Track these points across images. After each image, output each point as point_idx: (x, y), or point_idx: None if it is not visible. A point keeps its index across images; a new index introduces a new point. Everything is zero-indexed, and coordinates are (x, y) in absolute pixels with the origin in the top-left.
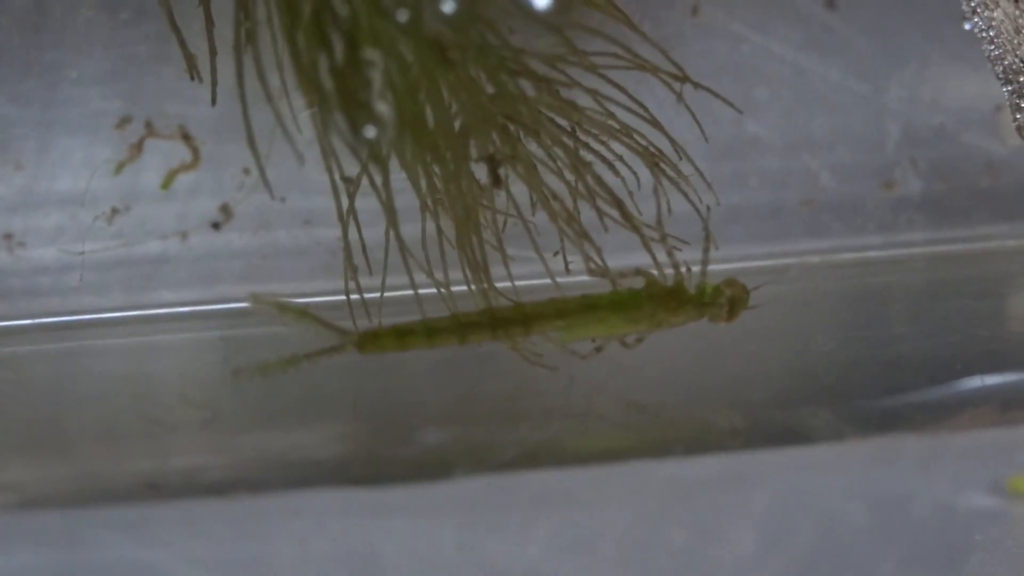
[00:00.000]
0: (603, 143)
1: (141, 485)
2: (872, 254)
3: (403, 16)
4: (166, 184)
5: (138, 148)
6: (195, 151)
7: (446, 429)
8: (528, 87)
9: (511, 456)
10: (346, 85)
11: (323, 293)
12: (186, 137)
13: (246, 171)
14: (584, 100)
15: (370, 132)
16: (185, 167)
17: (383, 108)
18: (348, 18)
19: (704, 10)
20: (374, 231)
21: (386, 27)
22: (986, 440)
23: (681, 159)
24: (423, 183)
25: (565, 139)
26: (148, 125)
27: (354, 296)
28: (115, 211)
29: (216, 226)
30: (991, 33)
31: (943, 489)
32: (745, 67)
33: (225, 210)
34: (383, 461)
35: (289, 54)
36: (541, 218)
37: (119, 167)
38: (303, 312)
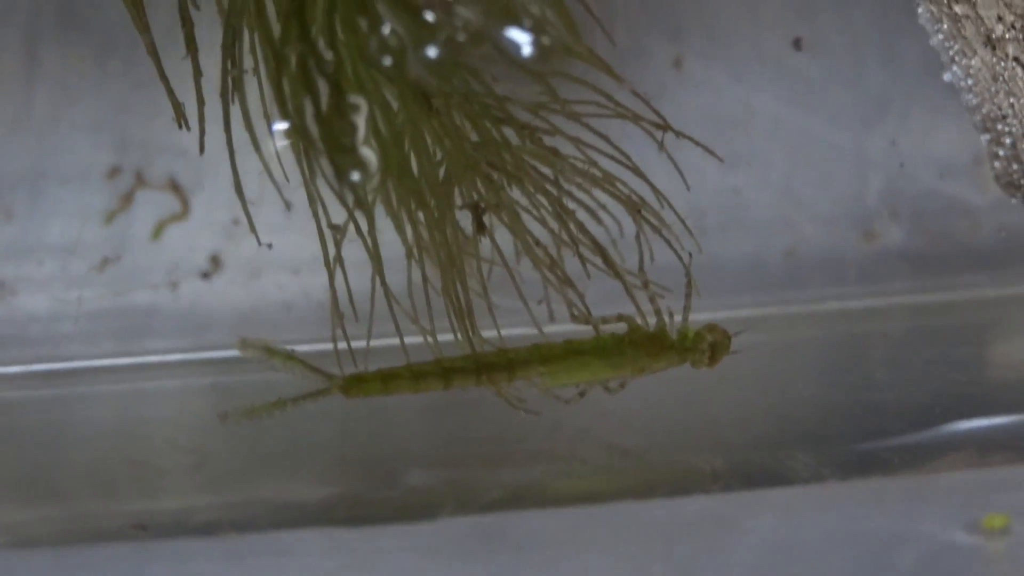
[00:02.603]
0: (586, 191)
1: (131, 526)
2: (853, 303)
3: (388, 63)
4: (156, 234)
5: (128, 198)
6: (185, 201)
7: (431, 472)
8: (512, 135)
9: (496, 498)
10: (332, 131)
11: (310, 341)
12: (176, 188)
13: (235, 222)
14: (568, 149)
15: (355, 177)
16: (175, 217)
17: (368, 154)
18: (333, 65)
19: (687, 63)
20: (361, 278)
21: (371, 74)
22: (965, 482)
23: (663, 207)
24: (408, 230)
25: (548, 187)
26: (138, 175)
27: (341, 344)
28: (106, 260)
29: (206, 276)
30: (969, 82)
31: (922, 529)
32: (727, 119)
33: (214, 260)
34: (369, 503)
35: (275, 101)
36: (525, 266)
37: (110, 217)
38: (290, 355)
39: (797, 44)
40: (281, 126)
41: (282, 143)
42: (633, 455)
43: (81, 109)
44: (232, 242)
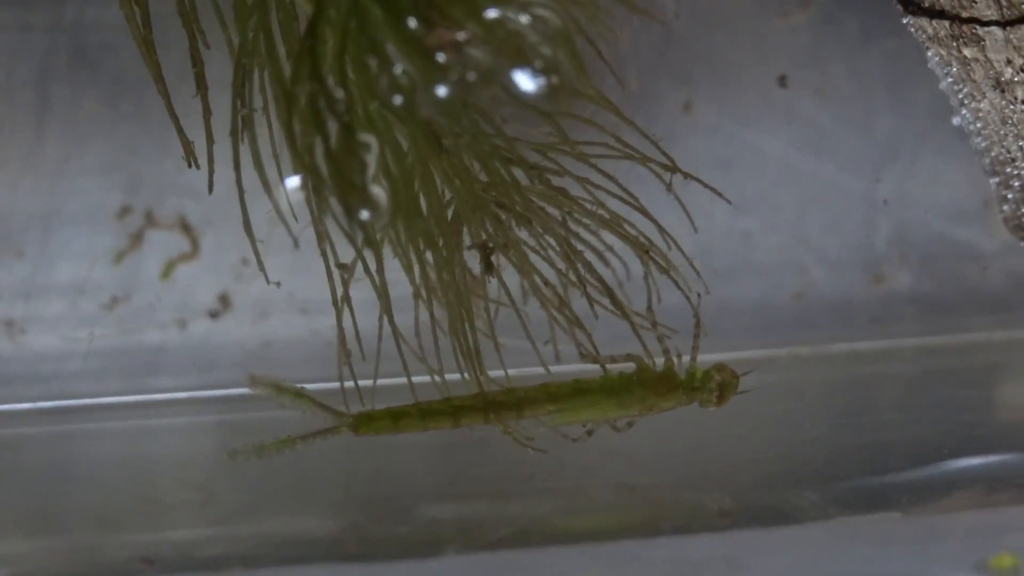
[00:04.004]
0: (594, 232)
1: (138, 560)
2: (861, 345)
3: (399, 103)
4: (165, 274)
5: (138, 238)
6: (194, 241)
7: (439, 508)
8: (521, 175)
9: (502, 535)
10: (342, 170)
11: (319, 380)
12: (185, 227)
13: (244, 261)
14: (577, 190)
15: (365, 216)
16: (184, 257)
17: (378, 193)
18: (344, 104)
19: (696, 107)
20: (369, 319)
21: (382, 113)
22: (972, 521)
23: (671, 249)
24: (416, 269)
25: (557, 227)
26: (148, 215)
27: (348, 383)
28: (115, 300)
29: (214, 315)
30: (978, 125)
31: (930, 569)
32: (737, 163)
33: (223, 300)
34: (376, 539)
35: (285, 139)
36: (532, 308)
37: (119, 256)
38: (299, 393)
39: (782, 81)
40: (294, 180)
41: (294, 187)
42: (640, 493)
43: (92, 149)
44: (241, 282)
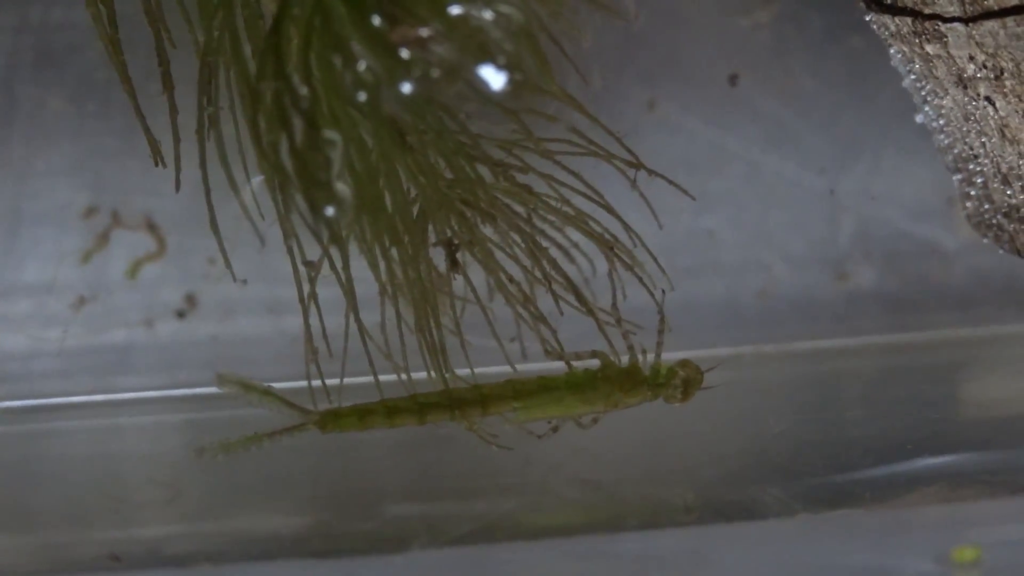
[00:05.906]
0: (559, 229)
1: (106, 557)
2: (825, 343)
3: (363, 100)
4: (132, 273)
5: (105, 238)
6: (161, 241)
7: (405, 505)
8: (486, 172)
9: (468, 531)
10: (306, 167)
11: (286, 378)
12: (152, 227)
13: (211, 261)
14: (542, 187)
15: (330, 213)
16: (151, 257)
17: (343, 190)
18: (308, 101)
19: (660, 105)
20: (336, 317)
21: (346, 110)
22: (935, 516)
23: (636, 246)
24: (382, 267)
25: (522, 224)
26: (115, 215)
27: (315, 381)
28: (82, 299)
29: (181, 315)
30: (941, 122)
31: (893, 562)
32: (701, 161)
33: (190, 299)
34: (342, 535)
35: (251, 137)
36: (498, 306)
37: (86, 256)
38: (266, 391)
39: (733, 80)
40: (260, 179)
41: (260, 185)
42: (605, 489)
43: (58, 149)
44: (208, 281)
